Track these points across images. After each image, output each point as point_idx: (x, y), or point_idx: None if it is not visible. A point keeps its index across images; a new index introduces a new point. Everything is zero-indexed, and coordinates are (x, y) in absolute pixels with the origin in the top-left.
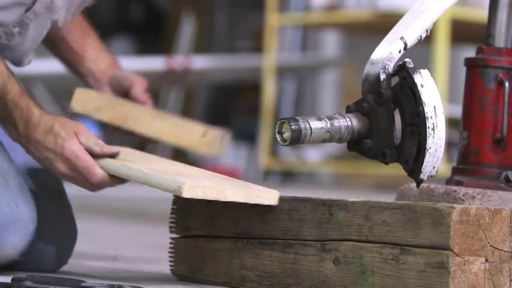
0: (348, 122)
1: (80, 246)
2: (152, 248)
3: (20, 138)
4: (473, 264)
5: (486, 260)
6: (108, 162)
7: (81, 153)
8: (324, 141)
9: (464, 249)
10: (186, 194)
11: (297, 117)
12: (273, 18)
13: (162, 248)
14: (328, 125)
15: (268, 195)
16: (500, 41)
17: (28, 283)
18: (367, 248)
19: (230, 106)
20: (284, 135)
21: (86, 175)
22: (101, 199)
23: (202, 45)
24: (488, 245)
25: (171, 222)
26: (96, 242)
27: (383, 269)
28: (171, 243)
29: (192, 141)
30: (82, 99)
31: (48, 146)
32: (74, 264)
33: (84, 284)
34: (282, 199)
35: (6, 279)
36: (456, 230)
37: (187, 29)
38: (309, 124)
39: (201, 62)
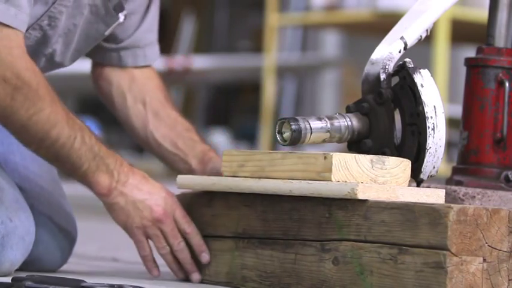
0: (348, 122)
1: (80, 246)
2: (152, 248)
3: (115, 184)
4: (471, 264)
5: (484, 260)
6: (267, 182)
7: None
8: (324, 141)
9: (462, 249)
10: (361, 195)
11: (297, 117)
12: (273, 18)
13: None
14: (328, 125)
15: (435, 193)
16: (500, 41)
17: (28, 283)
18: (366, 248)
19: (230, 106)
20: (284, 135)
21: (183, 223)
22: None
23: (202, 45)
24: (486, 245)
25: None
26: (96, 242)
27: (381, 269)
28: None
29: (316, 171)
30: (228, 160)
31: (146, 187)
32: (74, 264)
33: (84, 284)
34: (282, 199)
35: (6, 279)
36: (454, 230)
37: (187, 29)
38: (309, 124)
39: (201, 62)
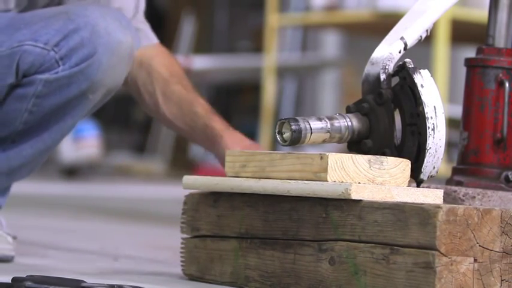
0: (348, 122)
1: (80, 246)
2: (152, 248)
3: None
4: (461, 264)
5: (475, 260)
6: (265, 181)
7: None
8: (324, 141)
9: (452, 249)
10: (355, 195)
11: (297, 117)
12: (273, 18)
13: (161, 248)
14: (328, 125)
15: (433, 194)
16: (500, 41)
17: (28, 283)
18: (360, 248)
19: (230, 106)
20: (284, 135)
21: None
22: (101, 199)
23: (202, 45)
24: (477, 245)
25: (182, 222)
26: (96, 242)
27: (374, 269)
28: (182, 243)
29: (313, 171)
30: (231, 161)
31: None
32: (74, 264)
33: (84, 284)
34: (282, 199)
35: (7, 279)
36: (443, 230)
37: (187, 29)
38: (309, 124)
39: (201, 62)
